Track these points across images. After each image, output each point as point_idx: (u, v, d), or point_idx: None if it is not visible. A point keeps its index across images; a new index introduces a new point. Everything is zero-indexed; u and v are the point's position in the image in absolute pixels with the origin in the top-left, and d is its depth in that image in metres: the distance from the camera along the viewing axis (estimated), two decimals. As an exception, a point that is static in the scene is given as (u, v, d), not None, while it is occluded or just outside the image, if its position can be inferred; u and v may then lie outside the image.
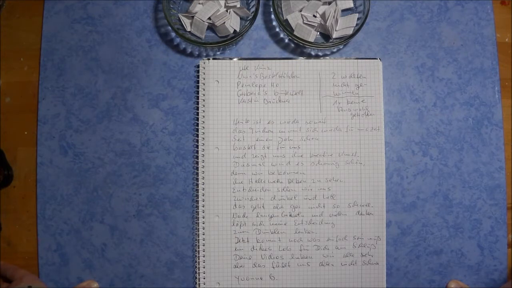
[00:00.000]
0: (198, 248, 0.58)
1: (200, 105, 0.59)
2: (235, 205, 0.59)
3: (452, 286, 0.59)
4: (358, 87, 0.60)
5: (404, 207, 0.60)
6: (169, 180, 0.60)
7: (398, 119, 0.61)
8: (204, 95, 0.60)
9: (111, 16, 0.61)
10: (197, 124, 0.59)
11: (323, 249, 0.59)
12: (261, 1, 0.59)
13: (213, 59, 0.60)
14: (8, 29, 0.62)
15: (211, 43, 0.58)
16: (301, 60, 0.61)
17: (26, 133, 0.60)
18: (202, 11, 0.59)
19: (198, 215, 0.58)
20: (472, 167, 0.60)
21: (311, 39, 0.59)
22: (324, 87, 0.60)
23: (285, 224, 0.59)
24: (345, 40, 0.58)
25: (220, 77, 0.60)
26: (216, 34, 0.61)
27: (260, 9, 0.59)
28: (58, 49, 0.61)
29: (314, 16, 0.60)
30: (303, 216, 0.59)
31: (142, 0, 0.62)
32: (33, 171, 0.60)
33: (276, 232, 0.59)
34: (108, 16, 0.61)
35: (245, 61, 0.60)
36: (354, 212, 0.59)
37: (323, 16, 0.60)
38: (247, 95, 0.60)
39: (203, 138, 0.59)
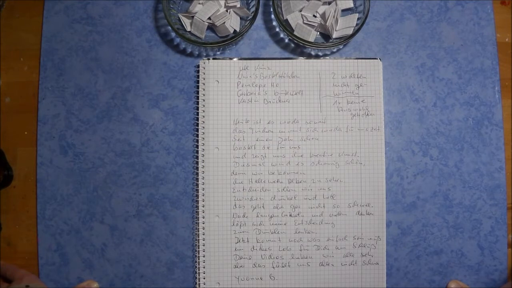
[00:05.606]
0: (198, 248, 0.58)
1: (200, 105, 0.59)
2: (235, 205, 0.59)
3: (452, 286, 0.59)
4: (358, 87, 0.60)
5: (404, 207, 0.60)
6: (169, 180, 0.60)
7: (398, 119, 0.61)
8: (204, 95, 0.60)
9: (111, 16, 0.61)
10: (197, 124, 0.59)
11: (323, 249, 0.59)
12: (261, 1, 0.59)
13: (213, 59, 0.60)
14: (8, 29, 0.62)
15: (211, 43, 0.58)
16: (301, 60, 0.61)
17: (26, 133, 0.60)
18: (202, 11, 0.59)
19: (198, 215, 0.58)
20: (472, 167, 0.60)
21: (311, 39, 0.59)
22: (324, 87, 0.60)
23: (285, 224, 0.59)
24: (345, 40, 0.58)
25: (220, 77, 0.60)
26: (216, 34, 0.61)
27: (260, 9, 0.59)
28: (58, 49, 0.61)
29: (314, 16, 0.60)
30: (303, 216, 0.59)
31: (142, 0, 0.62)
32: (33, 171, 0.60)
33: (276, 232, 0.59)
34: (108, 16, 0.61)
35: (245, 61, 0.60)
36: (354, 212, 0.59)
37: (323, 16, 0.60)
38: (247, 95, 0.60)
39: (203, 138, 0.59)
